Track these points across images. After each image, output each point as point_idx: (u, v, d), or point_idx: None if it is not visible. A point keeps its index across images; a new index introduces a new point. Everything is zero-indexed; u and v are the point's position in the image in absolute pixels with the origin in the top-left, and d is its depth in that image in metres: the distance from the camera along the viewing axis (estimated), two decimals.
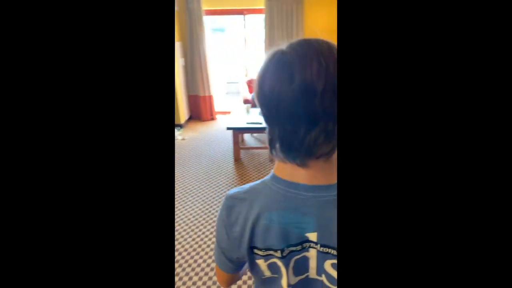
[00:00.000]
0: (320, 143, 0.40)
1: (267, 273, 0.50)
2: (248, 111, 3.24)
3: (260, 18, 4.17)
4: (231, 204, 0.49)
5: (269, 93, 0.40)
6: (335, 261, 0.45)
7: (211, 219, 2.05)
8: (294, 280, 0.49)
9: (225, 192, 2.38)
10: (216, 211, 2.13)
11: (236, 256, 0.51)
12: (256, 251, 0.48)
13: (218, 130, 3.93)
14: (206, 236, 1.88)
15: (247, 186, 0.49)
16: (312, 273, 0.48)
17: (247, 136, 3.61)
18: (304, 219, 0.44)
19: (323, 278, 0.47)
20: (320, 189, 0.43)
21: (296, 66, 0.38)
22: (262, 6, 3.91)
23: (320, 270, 0.47)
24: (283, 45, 0.42)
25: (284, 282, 0.48)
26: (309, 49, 0.40)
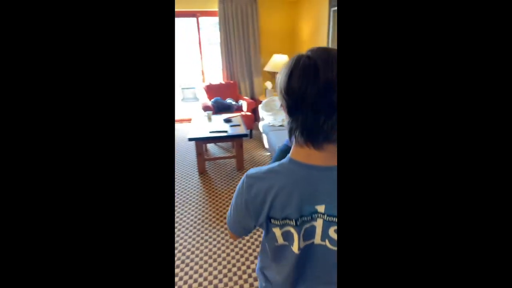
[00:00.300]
0: (335, 130, 0.48)
1: (280, 241, 0.58)
2: (210, 119, 3.05)
3: (214, 21, 4.00)
4: (252, 183, 0.55)
5: (297, 88, 0.48)
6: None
7: (180, 243, 1.82)
8: (303, 244, 0.57)
9: (193, 209, 2.17)
10: (185, 233, 1.92)
11: (254, 225, 0.59)
12: (273, 221, 0.56)
13: (177, 140, 3.64)
14: (181, 256, 1.66)
15: (264, 168, 0.56)
16: (317, 239, 0.57)
17: (210, 146, 3.41)
18: (316, 194, 0.53)
19: (326, 242, 0.56)
20: (331, 169, 0.51)
21: (320, 68, 0.47)
22: (215, 8, 3.75)
23: (324, 235, 0.56)
24: (306, 52, 0.50)
25: (295, 246, 0.56)
26: (329, 55, 0.48)
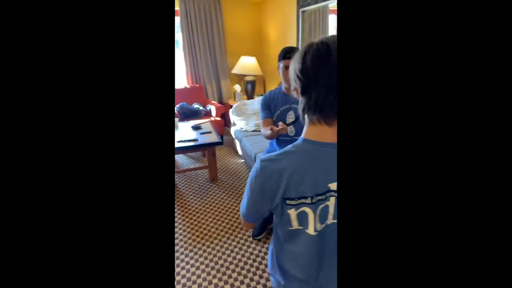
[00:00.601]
0: None
1: (295, 224, 0.59)
2: (176, 127, 2.78)
3: (176, 21, 3.72)
4: (266, 165, 0.57)
5: (311, 67, 0.52)
6: None
7: None
8: (320, 226, 0.59)
9: None
10: None
11: (268, 208, 0.60)
12: (288, 201, 0.58)
13: None
14: None
15: (277, 152, 0.58)
16: (330, 218, 0.60)
17: (178, 157, 3.13)
18: (329, 172, 0.55)
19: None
20: None
21: (332, 49, 0.51)
22: (176, 8, 3.48)
23: (336, 214, 0.58)
24: (317, 40, 0.55)
25: (311, 228, 0.59)
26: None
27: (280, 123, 1.36)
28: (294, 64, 0.55)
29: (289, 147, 0.58)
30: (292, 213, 0.58)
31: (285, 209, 0.58)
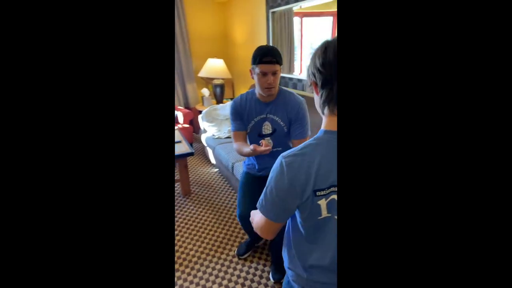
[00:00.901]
0: None
1: (324, 213, 0.60)
2: None
3: None
4: (292, 160, 0.58)
5: (333, 59, 0.53)
6: None
7: None
8: None
9: None
10: None
11: (297, 204, 0.60)
12: (318, 193, 0.58)
13: None
14: None
15: (298, 147, 0.60)
16: None
17: None
18: None
19: None
20: None
21: None
22: None
23: None
24: (333, 37, 0.57)
25: None
26: None
27: (263, 142, 1.16)
28: (314, 60, 0.57)
29: (310, 140, 0.59)
30: (323, 203, 0.59)
31: (315, 200, 0.59)
